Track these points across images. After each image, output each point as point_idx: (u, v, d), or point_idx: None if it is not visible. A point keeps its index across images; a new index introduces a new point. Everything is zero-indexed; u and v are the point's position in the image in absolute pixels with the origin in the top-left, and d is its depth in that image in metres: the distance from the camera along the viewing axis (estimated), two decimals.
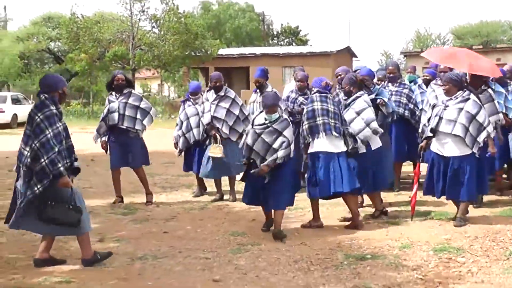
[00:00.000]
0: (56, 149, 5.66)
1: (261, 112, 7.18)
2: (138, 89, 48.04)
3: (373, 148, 7.68)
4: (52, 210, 5.68)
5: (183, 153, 9.75)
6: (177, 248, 6.63)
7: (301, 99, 9.30)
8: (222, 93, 9.12)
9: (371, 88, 8.21)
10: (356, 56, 43.74)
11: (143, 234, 7.31)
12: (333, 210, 8.23)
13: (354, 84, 7.73)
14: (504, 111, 8.58)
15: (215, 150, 9.04)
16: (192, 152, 9.61)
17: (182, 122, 9.60)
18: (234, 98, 9.16)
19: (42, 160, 5.56)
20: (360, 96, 7.68)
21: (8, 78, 42.61)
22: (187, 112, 9.61)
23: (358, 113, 7.57)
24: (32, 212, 5.72)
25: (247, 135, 7.13)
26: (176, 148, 9.78)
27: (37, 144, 5.58)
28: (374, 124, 7.55)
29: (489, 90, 8.26)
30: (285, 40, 61.02)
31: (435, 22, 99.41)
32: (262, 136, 6.91)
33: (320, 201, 7.59)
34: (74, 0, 53.89)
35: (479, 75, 8.18)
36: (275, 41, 60.45)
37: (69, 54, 36.47)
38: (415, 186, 7.62)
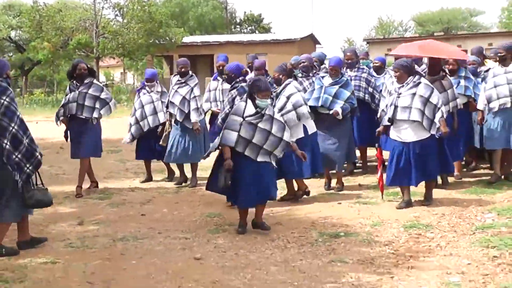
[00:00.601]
0: (29, 129, 5.74)
1: (246, 102, 6.59)
2: (101, 78, 47.61)
3: (309, 133, 7.96)
4: (34, 192, 5.72)
5: (135, 140, 9.72)
6: (156, 229, 6.79)
7: None
8: (183, 80, 9.17)
9: (338, 78, 8.51)
10: (319, 43, 44.04)
11: (121, 217, 7.45)
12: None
13: (284, 72, 7.98)
14: (472, 96, 8.90)
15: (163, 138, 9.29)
16: (146, 140, 9.59)
17: (136, 110, 9.59)
18: (193, 87, 9.09)
19: (24, 141, 5.59)
20: (289, 84, 7.92)
21: None
22: (142, 100, 9.59)
23: (288, 98, 7.80)
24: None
25: (229, 128, 6.48)
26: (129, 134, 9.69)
27: (15, 127, 5.55)
28: (302, 109, 7.75)
29: (448, 76, 8.54)
30: (248, 28, 61.07)
31: (397, 9, 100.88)
32: (260, 125, 6.48)
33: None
34: None
35: (437, 61, 8.46)
36: (238, 29, 60.44)
37: (31, 42, 35.95)
38: (380, 169, 7.93)
